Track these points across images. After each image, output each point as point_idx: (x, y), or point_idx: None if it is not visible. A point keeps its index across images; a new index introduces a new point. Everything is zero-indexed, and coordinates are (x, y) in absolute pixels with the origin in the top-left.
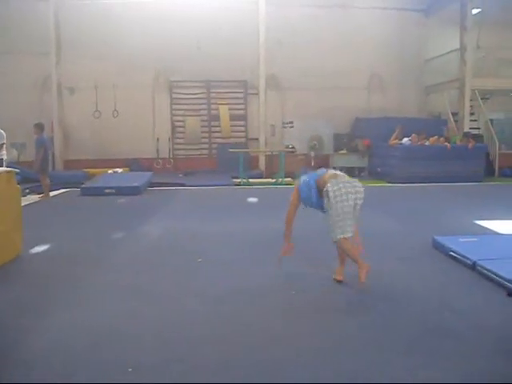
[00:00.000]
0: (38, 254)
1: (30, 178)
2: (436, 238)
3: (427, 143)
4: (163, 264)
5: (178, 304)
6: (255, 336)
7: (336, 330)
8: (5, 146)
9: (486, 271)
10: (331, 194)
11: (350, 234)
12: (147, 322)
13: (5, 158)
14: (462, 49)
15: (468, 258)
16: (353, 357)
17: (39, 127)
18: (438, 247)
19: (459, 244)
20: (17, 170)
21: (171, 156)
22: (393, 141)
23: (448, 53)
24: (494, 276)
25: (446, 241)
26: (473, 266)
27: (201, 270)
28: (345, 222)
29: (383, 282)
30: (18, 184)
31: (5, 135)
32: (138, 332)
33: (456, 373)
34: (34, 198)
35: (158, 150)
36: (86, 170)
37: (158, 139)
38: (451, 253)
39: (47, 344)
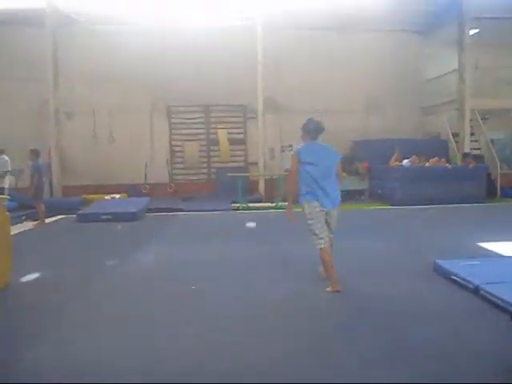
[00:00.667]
0: (27, 283)
1: (27, 204)
2: (437, 261)
3: (427, 164)
4: (155, 293)
5: (169, 336)
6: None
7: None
8: (9, 173)
9: (489, 295)
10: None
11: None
12: (133, 358)
13: (6, 186)
14: (461, 69)
15: (470, 282)
16: None
17: (34, 153)
18: (440, 271)
19: (461, 267)
20: (7, 197)
21: (170, 181)
22: (393, 162)
23: (446, 74)
24: (498, 300)
25: (448, 264)
26: (475, 290)
27: (194, 298)
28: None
29: (382, 306)
30: (8, 211)
31: (9, 162)
32: (123, 371)
33: None
34: (30, 224)
35: (145, 175)
36: (83, 196)
37: (146, 163)
38: (453, 277)
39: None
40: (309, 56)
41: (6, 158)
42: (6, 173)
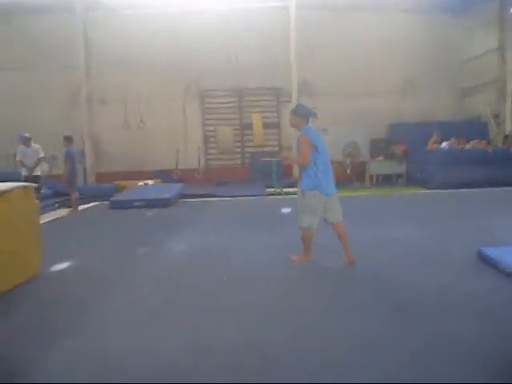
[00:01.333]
0: (57, 272)
1: (62, 191)
2: (482, 249)
3: (467, 147)
4: (187, 283)
5: (200, 330)
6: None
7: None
8: (42, 161)
9: None
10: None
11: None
12: (163, 352)
13: (40, 173)
14: (501, 48)
15: None
16: None
17: (68, 140)
18: (485, 259)
19: (509, 255)
20: (34, 185)
21: (205, 166)
22: (431, 145)
23: (486, 53)
24: None
25: (494, 252)
26: None
27: (225, 290)
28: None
29: (425, 298)
30: (42, 199)
31: (41, 149)
32: (152, 367)
33: None
34: (63, 212)
35: (177, 161)
36: (116, 182)
37: (177, 150)
38: (500, 265)
39: (52, 378)
40: (344, 38)
41: (36, 145)
42: (39, 160)
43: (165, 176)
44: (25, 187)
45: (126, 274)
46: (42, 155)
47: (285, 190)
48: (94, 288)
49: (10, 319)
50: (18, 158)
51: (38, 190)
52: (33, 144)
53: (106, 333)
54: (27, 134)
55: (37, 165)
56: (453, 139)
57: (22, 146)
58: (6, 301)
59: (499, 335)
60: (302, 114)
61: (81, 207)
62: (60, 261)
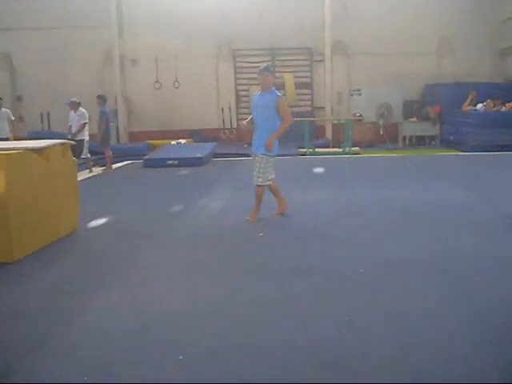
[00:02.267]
0: (94, 228)
1: (94, 150)
2: None
3: (503, 109)
4: (222, 239)
5: (239, 283)
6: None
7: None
8: (87, 125)
9: None
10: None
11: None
12: (204, 303)
13: (86, 138)
14: None
15: None
16: None
17: (101, 99)
18: None
19: None
20: (72, 143)
21: (236, 126)
22: (466, 107)
23: None
24: None
25: None
26: None
27: (262, 246)
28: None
29: (465, 263)
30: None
31: (87, 115)
32: (193, 315)
33: None
34: (98, 170)
35: (223, 121)
36: (148, 141)
37: (222, 109)
38: None
39: (90, 329)
40: None
41: (82, 110)
42: (83, 125)
43: (197, 135)
44: (62, 144)
45: (162, 230)
46: (85, 120)
47: (317, 150)
48: (131, 243)
49: (53, 271)
50: (69, 122)
51: (78, 154)
52: (80, 108)
53: (143, 286)
54: (74, 99)
55: (79, 130)
56: (488, 101)
57: (71, 111)
58: (48, 254)
59: None
60: (273, 73)
61: (115, 166)
62: (97, 217)
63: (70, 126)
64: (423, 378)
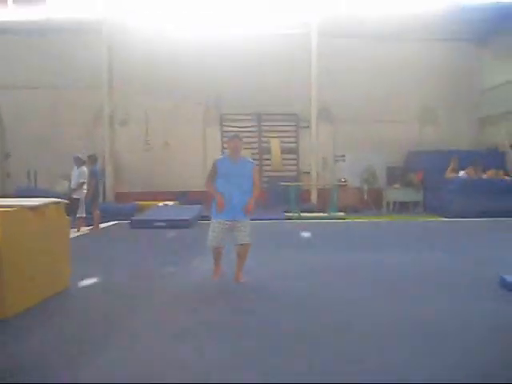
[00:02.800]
0: (85, 287)
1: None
2: (504, 276)
3: (484, 176)
4: (214, 303)
5: (234, 348)
6: None
7: None
8: (85, 185)
9: None
10: None
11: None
12: (189, 368)
13: (83, 197)
14: None
15: None
16: None
17: (92, 159)
18: (507, 286)
19: None
20: (66, 201)
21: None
22: (449, 174)
23: (506, 83)
24: None
25: None
26: None
27: (257, 309)
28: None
29: (448, 324)
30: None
31: (87, 173)
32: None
33: None
34: (84, 229)
35: None
36: (136, 202)
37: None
38: None
39: None
40: (363, 65)
41: (84, 168)
42: (80, 184)
43: (183, 197)
44: (57, 203)
45: (152, 292)
46: (83, 180)
47: (302, 214)
48: (121, 304)
49: (42, 332)
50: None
51: (73, 212)
52: (82, 167)
53: (136, 348)
54: (78, 155)
55: (77, 188)
56: (470, 168)
57: (75, 166)
58: (38, 313)
59: None
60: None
61: (102, 225)
62: (87, 277)
63: (70, 181)
64: None
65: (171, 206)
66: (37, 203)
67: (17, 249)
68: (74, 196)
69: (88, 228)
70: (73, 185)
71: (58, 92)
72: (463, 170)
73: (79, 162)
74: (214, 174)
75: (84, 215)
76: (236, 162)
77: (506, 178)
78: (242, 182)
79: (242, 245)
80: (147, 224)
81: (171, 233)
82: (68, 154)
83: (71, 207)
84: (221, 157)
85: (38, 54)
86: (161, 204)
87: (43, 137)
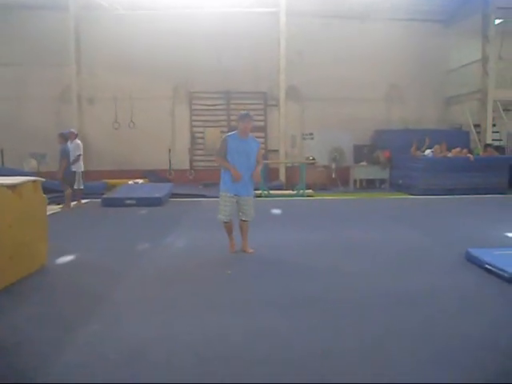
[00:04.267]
0: (62, 264)
1: (50, 188)
2: (470, 250)
3: (450, 155)
4: (190, 276)
5: (211, 318)
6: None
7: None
8: (81, 157)
9: None
10: None
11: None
12: (179, 337)
13: (79, 170)
14: (484, 60)
15: (505, 271)
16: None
17: (63, 137)
18: (472, 260)
19: (495, 256)
20: (43, 180)
21: (191, 167)
22: (414, 152)
23: (470, 64)
24: None
25: (481, 253)
26: (510, 279)
27: (231, 282)
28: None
29: (415, 295)
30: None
31: (81, 146)
32: (171, 348)
33: None
34: (55, 208)
35: (170, 162)
36: (105, 180)
37: (169, 150)
38: (487, 266)
39: (75, 359)
40: (332, 44)
41: (77, 142)
42: (79, 156)
43: (152, 176)
44: (34, 181)
45: (130, 267)
46: (79, 152)
47: (271, 192)
48: (100, 279)
49: (24, 308)
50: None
51: (71, 185)
52: (76, 140)
53: (120, 321)
54: (71, 130)
55: (75, 161)
56: (436, 147)
57: (68, 142)
58: (17, 291)
59: None
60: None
61: (72, 204)
62: (63, 254)
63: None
64: None
65: (141, 184)
66: (15, 181)
67: None
68: (72, 169)
69: (59, 206)
70: (71, 158)
71: (25, 69)
72: (430, 148)
73: (73, 136)
74: (224, 150)
75: (82, 187)
76: (244, 139)
77: (470, 156)
78: (249, 158)
79: (245, 221)
80: (118, 202)
81: (143, 210)
82: (35, 131)
83: (69, 180)
84: (231, 133)
85: (4, 30)
86: (131, 182)
87: (10, 115)
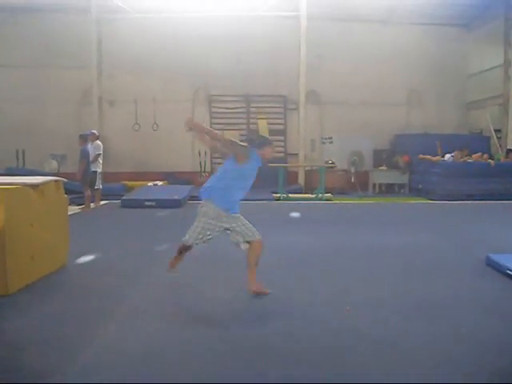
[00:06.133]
0: (83, 264)
1: (70, 189)
2: (490, 255)
3: (470, 160)
4: (207, 278)
5: (225, 323)
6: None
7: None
8: (101, 156)
9: None
10: None
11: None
12: (195, 340)
13: (99, 170)
14: (506, 64)
15: None
16: None
17: (84, 138)
18: (493, 265)
19: None
20: (65, 180)
21: (211, 170)
22: (434, 158)
23: (491, 68)
24: None
25: (502, 259)
26: None
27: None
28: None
29: (438, 301)
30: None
31: (102, 147)
32: (185, 351)
33: None
34: (75, 208)
35: (200, 164)
36: (124, 182)
37: (199, 152)
38: (508, 271)
39: (93, 358)
40: (351, 48)
41: (99, 142)
42: (96, 156)
43: (171, 177)
44: (56, 181)
45: (150, 268)
46: (99, 152)
47: (290, 195)
48: (119, 280)
49: (44, 307)
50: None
51: (91, 185)
52: (97, 141)
53: (136, 321)
54: (93, 131)
55: (93, 160)
56: (456, 152)
57: (89, 143)
58: (38, 290)
59: None
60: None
61: (92, 205)
62: (83, 254)
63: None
64: None
65: (161, 185)
66: (38, 181)
67: (19, 226)
68: (92, 169)
69: (79, 207)
70: (90, 159)
71: (47, 71)
72: (450, 153)
73: (94, 138)
74: (244, 152)
75: (101, 187)
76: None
77: (491, 161)
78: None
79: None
80: (138, 203)
81: (162, 212)
82: (56, 133)
83: (90, 180)
84: (255, 151)
85: (26, 32)
86: (150, 184)
87: (31, 116)
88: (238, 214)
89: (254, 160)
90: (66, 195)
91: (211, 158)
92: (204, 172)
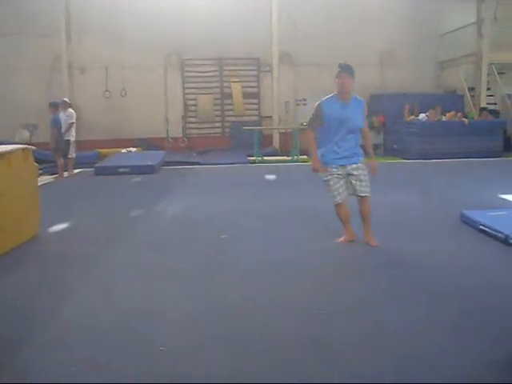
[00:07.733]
0: (55, 233)
1: (43, 158)
2: (464, 212)
3: (444, 119)
4: (185, 241)
5: (206, 281)
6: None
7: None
8: (74, 125)
9: None
10: None
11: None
12: (174, 300)
13: (72, 139)
14: (479, 22)
15: (500, 232)
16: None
17: (54, 106)
18: (467, 221)
19: (489, 218)
20: (33, 148)
21: (184, 135)
22: (408, 117)
23: (464, 26)
24: None
25: (475, 215)
26: (505, 240)
27: (225, 247)
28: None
29: (415, 256)
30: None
31: (75, 115)
32: (165, 311)
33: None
34: (48, 178)
35: (167, 130)
36: (98, 149)
37: (167, 119)
38: (481, 227)
39: (69, 325)
40: (324, 9)
41: (71, 110)
42: (70, 125)
43: (145, 144)
44: (23, 149)
45: (124, 234)
46: (72, 120)
47: (265, 158)
48: (94, 246)
49: (19, 275)
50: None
51: (64, 154)
52: (69, 109)
53: (112, 285)
54: (64, 99)
55: (67, 130)
56: (430, 111)
57: (61, 112)
58: (11, 259)
59: None
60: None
61: (65, 174)
62: (57, 222)
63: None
64: None
65: (134, 152)
66: (3, 149)
67: None
68: (65, 138)
69: (52, 176)
70: (63, 127)
71: (14, 39)
72: (424, 112)
73: (65, 106)
74: (317, 120)
75: (74, 156)
76: (346, 102)
77: (465, 120)
78: (355, 126)
79: (363, 197)
80: (111, 170)
81: (136, 178)
82: (26, 102)
83: (63, 149)
84: (327, 97)
85: None
86: (124, 150)
87: None
88: None
89: (330, 107)
90: (35, 164)
91: (186, 123)
92: (170, 138)
